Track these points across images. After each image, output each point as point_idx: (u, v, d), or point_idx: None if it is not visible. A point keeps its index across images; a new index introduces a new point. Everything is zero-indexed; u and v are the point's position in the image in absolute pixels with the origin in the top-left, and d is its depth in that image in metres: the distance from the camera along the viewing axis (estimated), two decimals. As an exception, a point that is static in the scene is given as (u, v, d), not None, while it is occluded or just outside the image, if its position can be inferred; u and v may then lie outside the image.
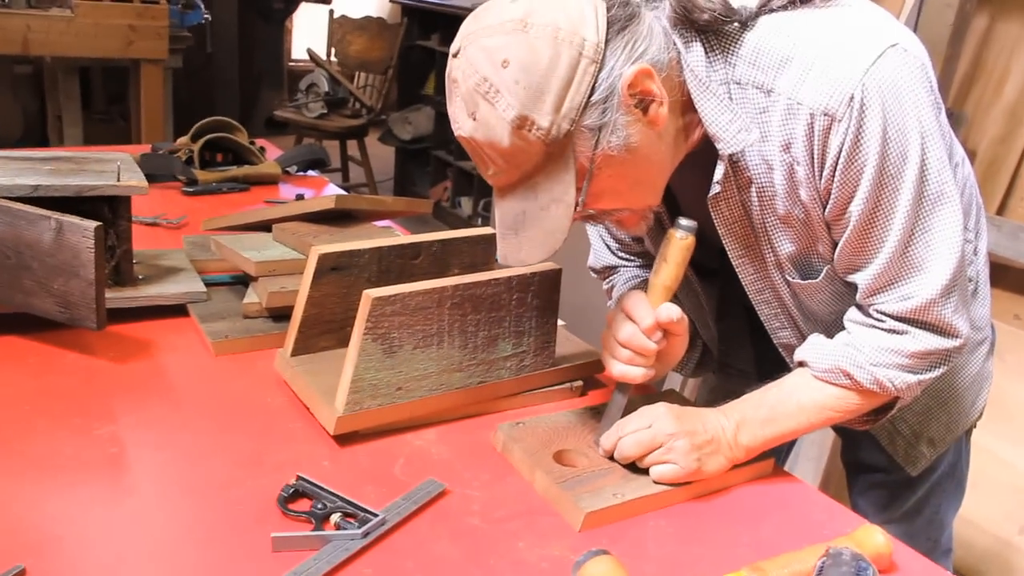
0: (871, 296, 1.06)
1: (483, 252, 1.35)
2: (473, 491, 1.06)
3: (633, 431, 1.09)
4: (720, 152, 1.02)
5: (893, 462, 1.34)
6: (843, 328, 1.12)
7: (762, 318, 1.21)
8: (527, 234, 1.00)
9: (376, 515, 0.97)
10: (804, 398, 1.11)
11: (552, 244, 0.99)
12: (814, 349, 1.12)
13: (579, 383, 1.31)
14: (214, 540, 0.94)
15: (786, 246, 1.09)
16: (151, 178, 2.08)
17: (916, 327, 1.05)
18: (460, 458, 1.13)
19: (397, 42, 5.66)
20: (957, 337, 1.06)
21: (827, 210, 1.02)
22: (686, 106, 1.03)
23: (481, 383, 1.21)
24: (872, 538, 0.99)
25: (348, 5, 7.11)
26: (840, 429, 1.44)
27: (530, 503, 1.05)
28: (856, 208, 1.00)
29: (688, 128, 1.05)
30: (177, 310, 1.44)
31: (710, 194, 1.06)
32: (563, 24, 0.92)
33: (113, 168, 1.40)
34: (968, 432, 1.39)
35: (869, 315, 1.08)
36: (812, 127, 0.97)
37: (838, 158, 0.97)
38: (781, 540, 1.03)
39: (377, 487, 1.05)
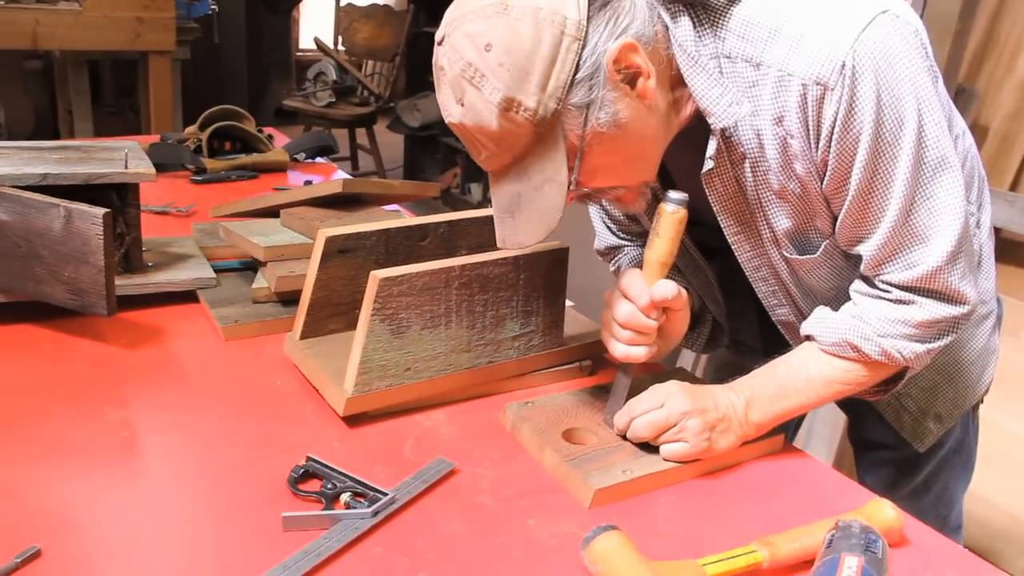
0: (876, 267, 1.06)
1: (490, 233, 1.34)
2: (483, 470, 1.07)
3: (645, 411, 1.09)
4: (712, 127, 1.01)
5: (900, 439, 1.34)
6: (843, 303, 1.12)
7: (760, 296, 1.21)
8: (523, 216, 1.00)
9: (386, 494, 0.97)
10: (813, 372, 1.11)
11: (548, 224, 0.99)
12: (820, 323, 1.11)
13: (588, 362, 1.31)
14: (225, 521, 0.95)
15: (782, 221, 1.08)
16: (160, 167, 2.08)
17: (923, 296, 1.05)
18: (469, 438, 1.13)
19: (404, 29, 5.66)
20: (964, 304, 1.05)
21: (825, 182, 1.02)
22: (676, 81, 1.02)
23: (490, 363, 1.21)
24: (882, 512, 0.99)
25: (355, -7, 7.10)
26: (846, 407, 1.44)
27: (539, 481, 1.06)
28: (855, 178, 0.99)
29: (679, 103, 1.04)
30: (187, 296, 1.45)
31: (703, 170, 1.05)
32: (543, 4, 0.92)
33: (121, 156, 1.40)
34: (975, 408, 1.38)
35: (875, 286, 1.08)
36: (805, 98, 0.96)
37: (833, 127, 0.96)
38: (791, 515, 1.03)
39: (387, 467, 1.05)
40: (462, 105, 0.96)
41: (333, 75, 5.53)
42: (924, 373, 1.28)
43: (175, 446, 1.08)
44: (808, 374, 1.11)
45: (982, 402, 1.40)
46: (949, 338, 1.08)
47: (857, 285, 1.11)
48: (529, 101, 0.92)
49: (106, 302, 1.25)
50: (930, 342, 1.07)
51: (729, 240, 1.14)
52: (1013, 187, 2.77)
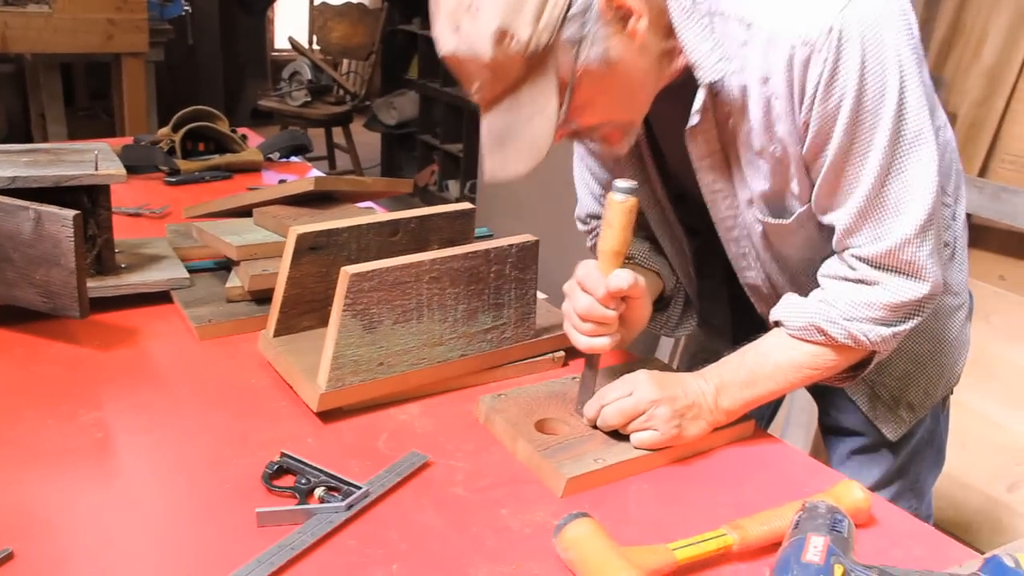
0: (847, 237, 1.07)
1: (461, 227, 1.36)
2: (456, 462, 1.08)
3: (615, 399, 1.10)
4: (699, 80, 1.02)
5: (872, 427, 1.36)
6: (811, 276, 1.13)
7: (730, 256, 1.22)
8: (512, 147, 1.01)
9: (360, 488, 0.98)
10: (781, 358, 1.12)
11: (536, 155, 0.99)
12: (788, 308, 1.12)
13: (560, 354, 1.32)
14: (200, 518, 0.95)
15: (760, 183, 1.09)
16: (134, 169, 2.08)
17: (889, 273, 1.06)
18: (443, 430, 1.14)
19: (379, 27, 5.65)
20: (928, 282, 1.06)
21: (805, 146, 1.03)
22: (668, 31, 1.03)
23: (462, 356, 1.22)
24: (850, 493, 1.01)
25: (329, -8, 7.09)
26: (818, 394, 1.45)
27: (513, 471, 1.07)
28: (834, 143, 1.00)
29: (670, 54, 1.05)
30: (161, 297, 1.45)
31: (688, 125, 1.06)
32: None
33: (91, 158, 1.40)
34: (946, 399, 1.40)
35: (844, 262, 1.09)
36: (792, 58, 0.97)
37: (816, 89, 0.98)
38: (762, 499, 1.05)
39: (361, 461, 1.06)
40: (457, 35, 0.96)
41: (308, 74, 5.52)
42: (897, 362, 1.29)
43: (150, 446, 1.08)
44: (776, 360, 1.13)
45: (952, 393, 1.41)
46: (914, 321, 1.09)
47: (825, 269, 1.12)
48: (523, 33, 0.93)
49: (78, 304, 1.26)
50: (895, 325, 1.08)
51: (706, 199, 1.15)
52: (982, 173, 2.80)
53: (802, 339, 1.11)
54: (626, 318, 1.13)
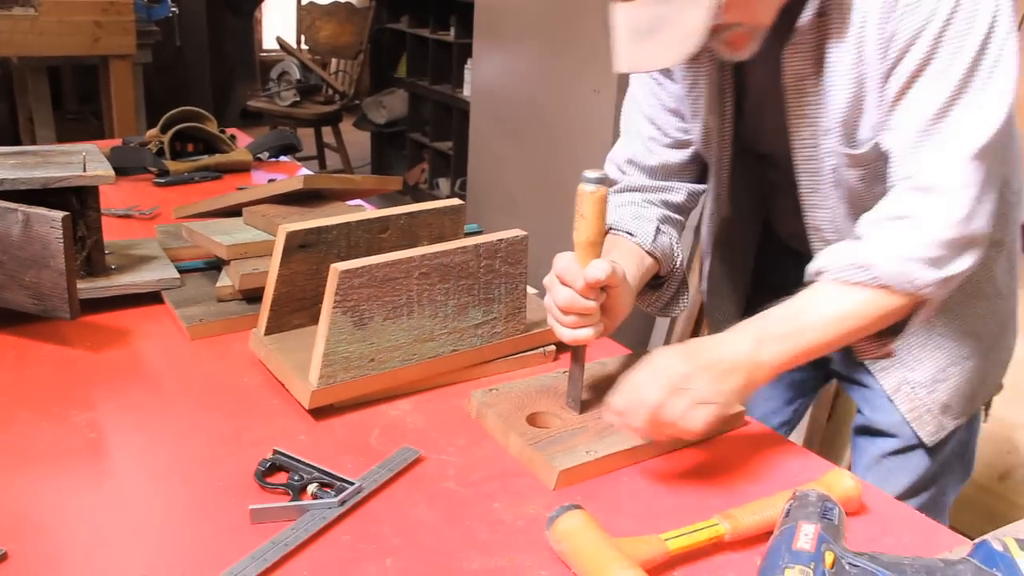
0: (902, 162, 1.06)
1: (451, 223, 1.36)
2: (448, 456, 1.08)
3: (645, 385, 1.02)
4: None
5: (908, 428, 1.34)
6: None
7: (801, 192, 1.22)
8: (661, 37, 0.99)
9: (352, 483, 0.98)
10: (826, 308, 1.08)
11: (687, 48, 0.98)
12: (830, 253, 1.10)
13: (551, 348, 1.32)
14: (193, 516, 0.96)
15: (841, 106, 1.10)
16: (123, 171, 2.08)
17: (940, 202, 1.04)
18: (435, 426, 1.14)
19: (367, 26, 5.65)
20: (972, 215, 1.04)
21: (887, 60, 1.04)
22: None
23: (453, 351, 1.22)
24: (841, 481, 1.01)
25: (316, -8, 7.08)
26: (856, 390, 1.43)
27: (505, 465, 1.07)
28: (914, 56, 1.01)
29: None
30: (151, 297, 1.45)
31: (790, 41, 1.08)
32: None
33: (79, 159, 1.40)
34: (983, 408, 1.39)
35: (893, 197, 1.07)
36: None
37: (910, 2, 1.00)
38: (754, 489, 1.05)
39: (353, 457, 1.06)
40: None
41: (297, 74, 5.52)
42: (939, 361, 1.29)
43: (142, 445, 1.08)
44: (821, 310, 1.08)
45: (988, 409, 1.41)
46: (964, 263, 1.06)
47: (871, 214, 1.09)
48: None
49: (68, 305, 1.26)
50: (945, 266, 1.05)
51: (789, 126, 1.15)
52: None
53: (848, 282, 1.07)
54: (607, 307, 1.12)
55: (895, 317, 1.10)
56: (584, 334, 1.10)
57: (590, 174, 1.05)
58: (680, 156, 1.34)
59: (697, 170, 1.37)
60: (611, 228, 1.29)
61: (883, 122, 1.08)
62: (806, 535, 0.84)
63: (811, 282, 1.11)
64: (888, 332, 1.13)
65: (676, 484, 1.06)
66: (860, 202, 1.17)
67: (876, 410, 1.39)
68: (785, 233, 1.41)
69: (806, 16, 1.05)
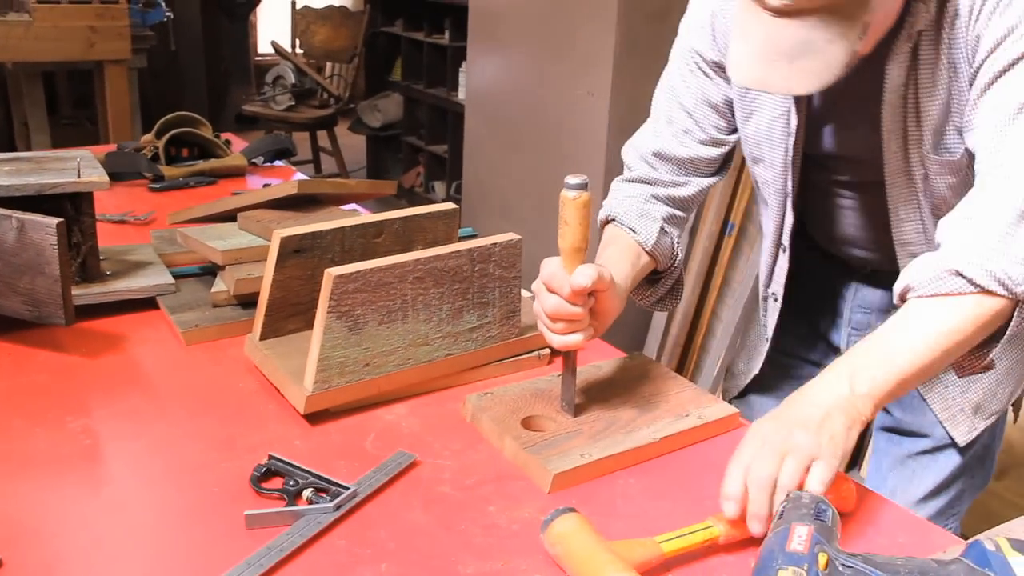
0: (989, 152, 1.03)
1: (445, 227, 1.36)
2: (444, 460, 1.08)
3: (753, 461, 0.95)
4: None
5: (940, 427, 1.34)
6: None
7: (890, 206, 1.20)
8: (804, 64, 0.98)
9: (347, 488, 0.98)
10: (921, 326, 1.01)
11: (829, 78, 0.98)
12: (915, 267, 1.05)
13: (546, 351, 1.33)
14: (188, 522, 0.96)
15: (932, 114, 1.10)
16: (117, 176, 2.09)
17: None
18: (430, 430, 1.15)
19: (362, 30, 5.65)
20: None
21: (974, 64, 1.04)
22: None
23: (448, 355, 1.23)
24: (838, 484, 1.01)
25: (311, -4, 7.08)
26: None
27: (500, 469, 1.07)
28: (1000, 54, 1.01)
29: None
30: (147, 303, 1.45)
31: (892, 53, 1.08)
32: None
33: (73, 165, 1.41)
34: (1015, 409, 1.39)
35: (977, 187, 1.04)
36: None
37: (996, 5, 1.00)
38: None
39: (349, 462, 1.06)
40: None
41: (292, 78, 5.51)
42: None
43: (138, 451, 1.08)
44: (917, 329, 1.01)
45: (1018, 410, 1.40)
46: None
47: (951, 220, 1.06)
48: None
49: (63, 312, 1.26)
50: None
51: (883, 138, 1.14)
52: None
53: (938, 294, 1.01)
54: (596, 310, 1.11)
55: (993, 325, 1.03)
56: (573, 340, 1.09)
57: (572, 180, 1.04)
58: (713, 152, 1.32)
59: (718, 165, 1.35)
60: (614, 219, 1.29)
61: (968, 121, 1.07)
62: (800, 536, 0.84)
63: (902, 293, 1.07)
64: (984, 344, 1.07)
65: (670, 487, 1.06)
66: (948, 208, 1.14)
67: (907, 410, 1.38)
68: (828, 237, 1.39)
69: (915, 28, 1.05)
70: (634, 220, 1.27)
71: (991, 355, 1.07)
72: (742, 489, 0.93)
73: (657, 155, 1.34)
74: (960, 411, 1.32)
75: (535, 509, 1.00)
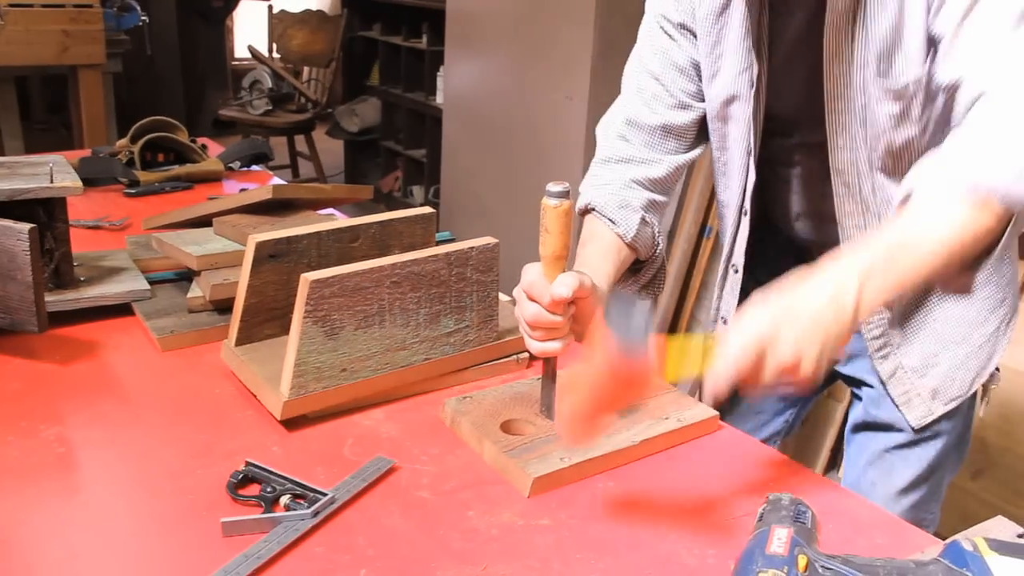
0: (978, 78, 1.02)
1: (422, 232, 1.36)
2: (422, 465, 1.08)
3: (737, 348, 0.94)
4: None
5: (907, 421, 1.35)
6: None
7: (828, 133, 1.20)
8: None
9: (326, 494, 0.98)
10: (931, 226, 0.99)
11: None
12: (921, 171, 1.03)
13: (525, 355, 1.32)
14: (165, 530, 0.95)
15: (880, 39, 1.10)
16: (92, 182, 2.07)
17: (1005, 75, 1.00)
18: (409, 435, 1.14)
19: (339, 34, 5.64)
20: None
21: None
22: None
23: (426, 360, 1.22)
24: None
25: (288, 0, 7.06)
26: (854, 386, 1.45)
27: (479, 473, 1.07)
28: None
29: None
30: (122, 309, 1.43)
31: None
32: None
33: (46, 171, 1.39)
34: (974, 398, 1.40)
35: (971, 114, 1.02)
36: None
37: None
38: (727, 492, 1.06)
39: (327, 468, 1.06)
40: None
41: (269, 83, 5.49)
42: (928, 345, 1.30)
43: (112, 459, 1.07)
44: (927, 228, 0.99)
45: (987, 394, 1.42)
46: None
47: (955, 133, 1.04)
48: None
49: (36, 319, 1.24)
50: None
51: (825, 64, 1.14)
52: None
53: (946, 198, 0.99)
54: (577, 315, 1.10)
55: (986, 240, 1.02)
56: (551, 347, 1.09)
57: (554, 187, 1.03)
58: (683, 118, 1.32)
59: (693, 138, 1.35)
60: (593, 208, 1.28)
61: (945, 53, 1.05)
62: (779, 539, 0.84)
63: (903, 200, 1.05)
64: (969, 265, 1.07)
65: (650, 489, 1.06)
66: (885, 146, 1.17)
67: (880, 406, 1.39)
68: (782, 215, 1.39)
69: None
70: (614, 211, 1.26)
71: (973, 277, 1.09)
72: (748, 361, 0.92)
73: (629, 123, 1.34)
74: (917, 395, 1.34)
75: (514, 514, 0.99)
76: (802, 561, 0.82)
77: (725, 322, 1.44)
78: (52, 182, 1.35)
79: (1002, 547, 0.81)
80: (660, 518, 0.99)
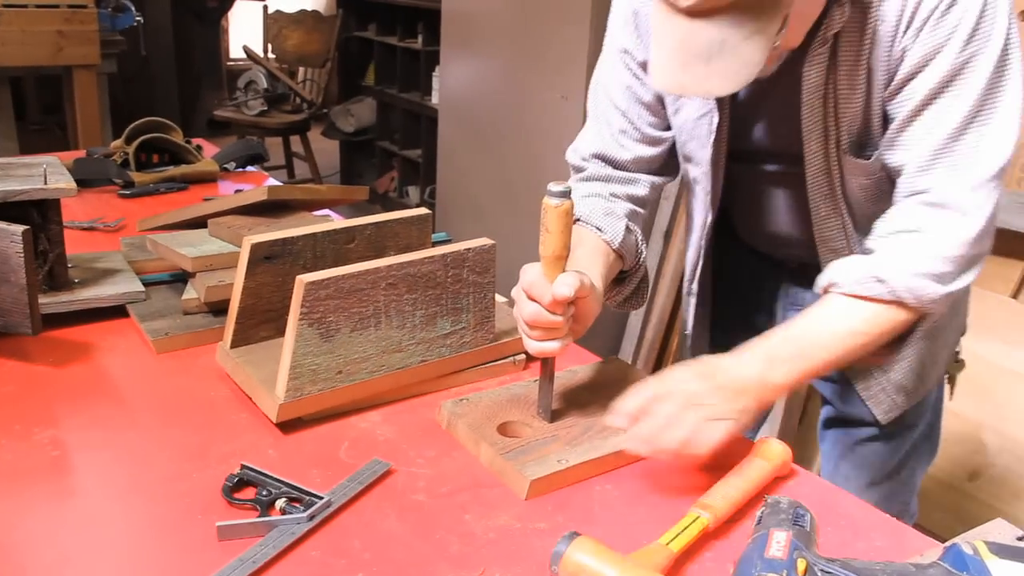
0: (917, 178, 1.06)
1: (418, 233, 1.35)
2: (419, 468, 1.07)
3: (660, 398, 1.02)
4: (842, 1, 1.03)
5: (874, 416, 1.36)
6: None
7: (811, 203, 1.21)
8: (721, 64, 0.96)
9: (321, 498, 0.97)
10: (837, 324, 1.09)
11: (746, 77, 0.96)
12: (841, 267, 1.11)
13: (521, 357, 1.31)
14: (160, 534, 0.94)
15: (849, 116, 1.10)
16: (87, 183, 2.06)
17: (952, 219, 1.05)
18: (405, 437, 1.13)
19: (334, 34, 5.63)
20: (989, 234, 1.05)
21: (896, 75, 1.04)
22: None
23: (422, 362, 1.21)
24: (770, 447, 1.07)
25: (283, 0, 7.06)
26: (823, 382, 1.46)
27: (476, 476, 1.06)
28: (929, 77, 1.02)
29: None
30: (116, 311, 1.43)
31: (812, 53, 1.07)
32: None
33: (40, 172, 1.38)
34: (941, 387, 1.41)
35: (905, 210, 1.08)
36: None
37: (929, 17, 1.00)
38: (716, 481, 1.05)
39: (323, 471, 1.05)
40: None
41: (264, 83, 5.48)
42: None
43: (107, 462, 1.06)
44: (832, 326, 1.09)
45: (953, 384, 1.42)
46: (966, 279, 1.08)
47: (881, 227, 1.10)
48: None
49: (30, 321, 1.24)
50: (950, 283, 1.06)
51: (804, 137, 1.15)
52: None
53: (858, 296, 1.08)
54: (576, 314, 1.10)
55: (898, 332, 1.10)
56: (550, 347, 1.08)
57: (555, 187, 1.03)
58: (654, 151, 1.32)
59: (667, 163, 1.36)
60: (579, 219, 1.28)
61: (893, 138, 1.08)
62: (778, 543, 0.84)
63: (825, 288, 1.12)
64: (886, 347, 1.14)
65: (647, 491, 1.06)
66: (865, 217, 1.18)
67: (847, 402, 1.41)
68: (756, 234, 1.41)
69: (831, 32, 1.05)
70: (600, 219, 1.26)
71: (888, 358, 1.17)
72: (637, 411, 1.02)
73: (598, 157, 1.34)
74: (882, 390, 1.35)
75: (511, 516, 0.99)
76: (801, 565, 0.81)
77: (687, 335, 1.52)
78: (46, 183, 1.34)
79: (1002, 551, 0.81)
80: (657, 521, 0.99)
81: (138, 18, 4.49)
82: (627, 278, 1.33)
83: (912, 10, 1.01)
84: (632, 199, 1.33)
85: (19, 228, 1.20)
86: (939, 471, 2.54)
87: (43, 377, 1.24)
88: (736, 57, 0.96)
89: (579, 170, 1.37)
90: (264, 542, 0.91)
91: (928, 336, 1.32)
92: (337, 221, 1.35)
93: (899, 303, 1.07)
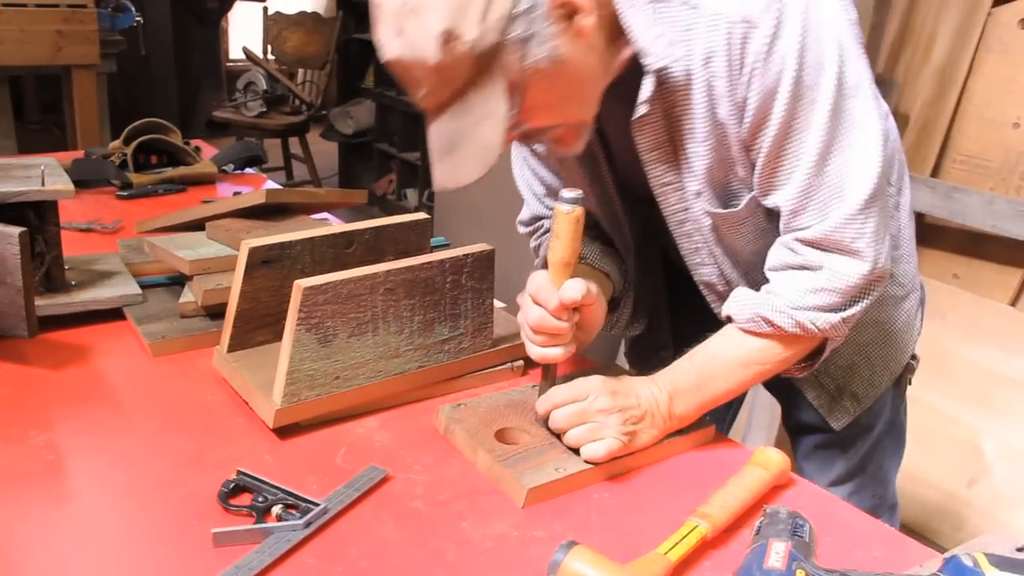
0: (791, 220, 1.07)
1: (417, 238, 1.35)
2: (416, 475, 1.06)
3: (564, 401, 1.09)
4: (646, 68, 1.01)
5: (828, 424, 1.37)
6: (764, 269, 1.13)
7: (683, 252, 1.21)
8: (462, 153, 0.98)
9: (318, 504, 0.97)
10: (730, 356, 1.12)
11: (488, 160, 0.97)
12: (736, 302, 1.12)
13: (520, 363, 1.31)
14: (155, 540, 0.93)
15: (706, 171, 1.09)
16: (85, 184, 2.06)
17: (834, 254, 1.05)
18: (403, 443, 1.13)
19: (333, 36, 5.63)
20: (873, 262, 1.05)
21: (744, 125, 1.03)
22: (613, 24, 1.02)
23: (420, 368, 1.21)
24: (767, 455, 1.07)
25: (283, 1, 7.06)
26: (778, 391, 1.46)
27: (473, 483, 1.06)
28: (774, 119, 1.00)
29: (616, 47, 1.03)
30: (113, 314, 1.42)
31: (635, 116, 1.05)
32: None
33: (37, 173, 1.38)
34: (900, 387, 1.41)
35: (788, 248, 1.08)
36: (731, 36, 0.98)
37: (755, 64, 0.98)
38: (714, 486, 1.04)
39: (319, 477, 1.05)
40: (401, 38, 0.94)
41: (263, 85, 5.47)
42: (842, 351, 1.30)
43: (102, 466, 1.06)
44: (726, 358, 1.12)
45: (910, 383, 1.42)
46: (863, 304, 1.09)
47: (770, 261, 1.12)
48: (469, 33, 0.91)
49: (26, 323, 1.23)
50: (844, 310, 1.08)
51: (655, 193, 1.14)
52: (934, 173, 2.84)
53: (750, 332, 1.11)
54: (581, 323, 1.12)
55: (801, 354, 1.13)
56: (552, 353, 1.10)
57: (567, 193, 1.04)
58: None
59: None
60: None
61: (760, 183, 1.07)
62: (777, 553, 0.83)
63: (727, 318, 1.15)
64: (802, 362, 1.16)
65: (645, 500, 1.05)
66: (744, 256, 1.19)
67: (798, 408, 1.41)
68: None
69: (646, 89, 1.03)
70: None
71: (809, 370, 1.17)
72: (546, 414, 1.10)
73: (537, 219, 1.39)
74: (833, 400, 1.35)
75: (508, 524, 0.98)
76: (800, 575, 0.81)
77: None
78: (43, 185, 1.33)
79: (1002, 563, 0.80)
80: (655, 530, 0.98)
81: (138, 18, 4.49)
82: (620, 302, 1.35)
83: (738, 60, 0.99)
84: (593, 237, 1.34)
85: (16, 230, 1.19)
86: (936, 478, 2.53)
87: (39, 380, 1.24)
88: (474, 143, 0.97)
89: (533, 231, 1.41)
90: (260, 549, 0.90)
91: (878, 343, 1.33)
92: (335, 225, 1.34)
93: (789, 335, 1.09)
